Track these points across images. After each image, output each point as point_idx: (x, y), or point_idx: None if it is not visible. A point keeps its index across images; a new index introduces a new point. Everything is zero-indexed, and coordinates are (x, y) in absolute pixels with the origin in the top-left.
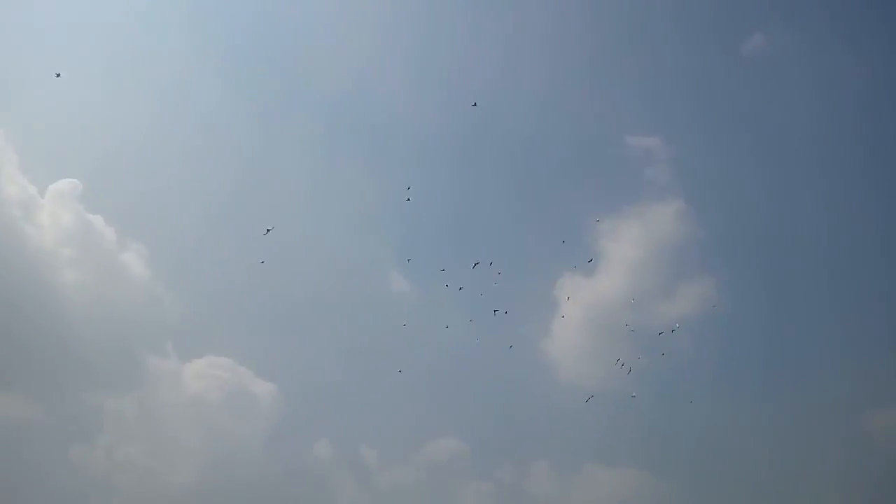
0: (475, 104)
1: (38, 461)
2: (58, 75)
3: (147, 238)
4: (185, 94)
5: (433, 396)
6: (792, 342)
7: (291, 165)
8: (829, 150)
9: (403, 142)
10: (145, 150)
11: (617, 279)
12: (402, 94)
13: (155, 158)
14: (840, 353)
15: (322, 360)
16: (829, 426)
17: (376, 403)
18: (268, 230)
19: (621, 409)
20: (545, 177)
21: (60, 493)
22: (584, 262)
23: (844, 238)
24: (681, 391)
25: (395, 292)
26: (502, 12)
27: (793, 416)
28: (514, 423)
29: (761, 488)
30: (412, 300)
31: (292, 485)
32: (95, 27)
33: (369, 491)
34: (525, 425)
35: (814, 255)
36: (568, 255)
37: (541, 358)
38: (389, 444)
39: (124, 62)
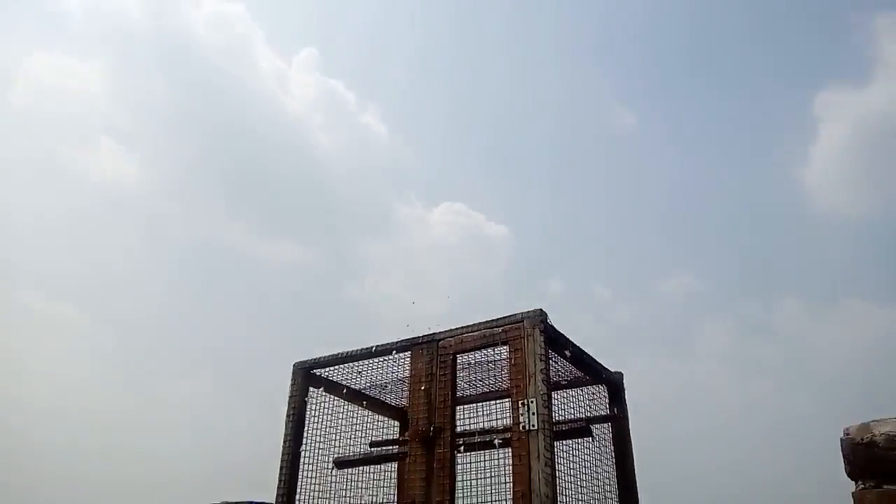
0: None
1: (320, 296)
2: None
3: (380, 98)
4: None
5: (665, 233)
6: None
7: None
8: None
9: None
10: (371, 11)
11: None
12: None
13: (382, 19)
14: None
15: (547, 202)
16: None
17: (604, 243)
18: None
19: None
20: None
21: (342, 322)
22: (853, 69)
23: None
24: None
25: (618, 125)
26: None
27: None
28: (758, 258)
29: None
30: (637, 132)
31: None
32: None
33: (605, 324)
34: (771, 260)
35: None
36: (832, 62)
37: (793, 187)
38: (621, 282)
39: None
